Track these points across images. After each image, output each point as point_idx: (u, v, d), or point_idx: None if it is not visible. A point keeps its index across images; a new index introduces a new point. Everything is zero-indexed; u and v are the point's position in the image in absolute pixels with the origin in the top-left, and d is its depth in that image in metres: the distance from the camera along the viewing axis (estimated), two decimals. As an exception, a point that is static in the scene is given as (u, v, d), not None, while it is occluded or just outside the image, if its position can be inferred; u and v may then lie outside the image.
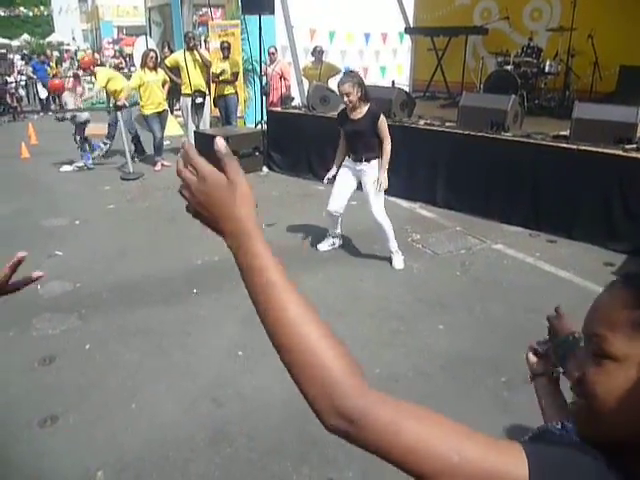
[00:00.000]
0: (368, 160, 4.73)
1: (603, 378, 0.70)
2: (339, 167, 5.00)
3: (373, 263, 4.99)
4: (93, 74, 9.10)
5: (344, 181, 4.93)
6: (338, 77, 10.09)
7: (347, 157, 4.89)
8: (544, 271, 4.76)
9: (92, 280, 4.71)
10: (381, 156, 4.70)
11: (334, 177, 5.01)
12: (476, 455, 0.66)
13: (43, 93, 16.04)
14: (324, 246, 5.28)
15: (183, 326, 3.95)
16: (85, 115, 8.72)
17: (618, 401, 0.68)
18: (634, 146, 5.11)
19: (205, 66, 8.84)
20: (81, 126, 8.64)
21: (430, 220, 6.13)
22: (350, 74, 4.84)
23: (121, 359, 3.57)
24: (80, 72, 11.23)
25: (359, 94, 4.56)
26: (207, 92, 9.08)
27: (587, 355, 0.73)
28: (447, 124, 6.55)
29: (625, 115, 5.32)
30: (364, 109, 4.65)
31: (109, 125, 8.93)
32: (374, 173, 4.73)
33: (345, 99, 4.57)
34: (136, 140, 9.27)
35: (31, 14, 36.76)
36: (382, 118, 4.65)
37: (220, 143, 0.75)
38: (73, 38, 37.60)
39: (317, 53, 9.78)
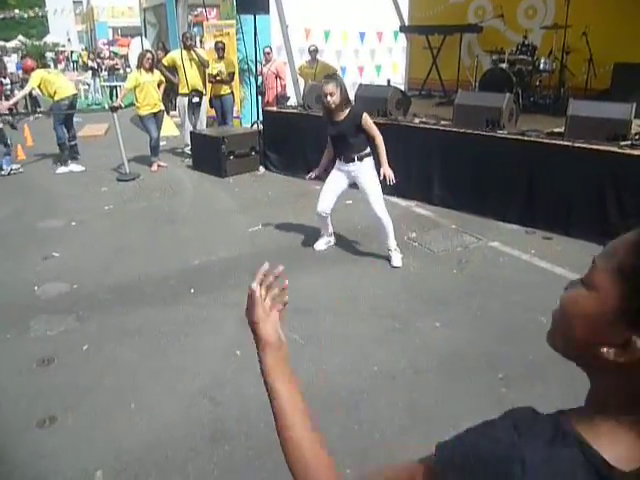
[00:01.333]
0: (361, 159, 4.74)
1: (572, 295, 0.79)
2: (324, 167, 5.08)
3: (370, 262, 5.00)
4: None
5: (333, 183, 4.96)
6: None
7: (338, 159, 4.90)
8: (540, 268, 4.78)
9: (89, 281, 4.72)
10: (376, 153, 4.71)
11: (317, 177, 5.10)
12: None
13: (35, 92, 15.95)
14: (320, 245, 5.29)
15: (181, 326, 3.95)
16: None
17: (569, 320, 0.77)
18: (628, 142, 5.13)
19: (202, 65, 8.84)
20: None
21: (426, 218, 6.15)
22: (333, 76, 4.87)
23: (119, 360, 3.58)
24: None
25: (342, 96, 4.60)
26: (204, 92, 9.09)
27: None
28: (442, 122, 6.57)
29: (619, 112, 5.34)
30: (346, 111, 4.68)
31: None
32: (369, 171, 4.74)
33: (329, 99, 4.59)
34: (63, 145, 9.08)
35: (26, 15, 36.71)
36: (365, 116, 4.67)
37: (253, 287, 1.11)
38: (68, 39, 37.54)
39: (312, 52, 9.80)
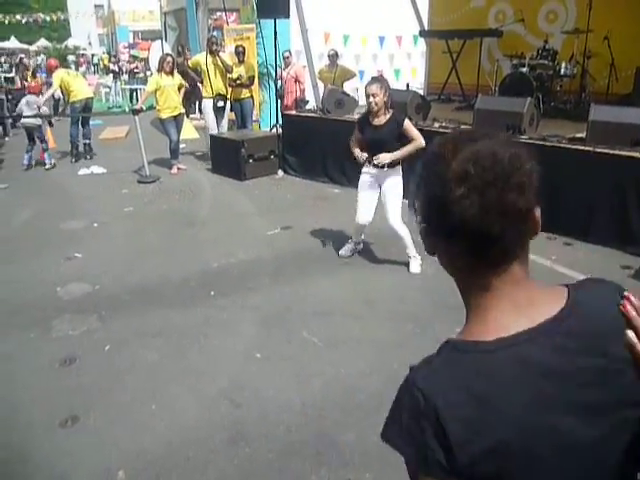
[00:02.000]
0: (392, 165, 4.66)
1: None
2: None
3: (389, 266, 5.00)
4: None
5: (368, 193, 4.87)
6: (353, 80, 10.21)
7: (367, 163, 4.80)
8: (560, 274, 4.74)
9: (111, 282, 4.78)
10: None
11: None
12: None
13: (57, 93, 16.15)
14: (346, 251, 5.22)
15: (201, 328, 3.99)
16: (30, 121, 9.16)
17: None
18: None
19: (226, 71, 8.90)
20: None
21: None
22: (379, 78, 4.78)
23: (140, 360, 3.62)
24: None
25: (385, 98, 4.52)
26: (227, 96, 9.15)
27: None
28: (462, 127, 6.54)
29: (642, 117, 5.29)
30: (387, 115, 4.61)
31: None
32: (396, 178, 4.71)
33: (371, 99, 4.50)
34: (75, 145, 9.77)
35: (48, 19, 37.24)
36: (407, 122, 4.62)
37: None
38: (89, 43, 38.00)
39: (331, 57, 9.82)
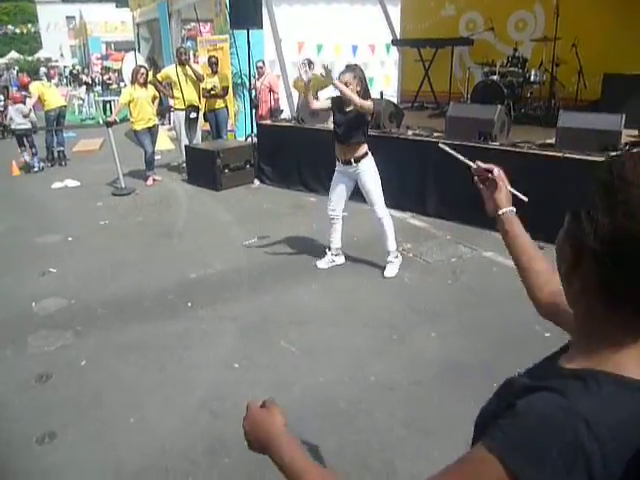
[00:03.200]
0: (357, 160, 4.73)
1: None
2: None
3: (366, 273, 5.04)
4: (28, 90, 10.95)
5: (339, 183, 4.93)
6: (327, 90, 10.27)
7: (337, 161, 4.89)
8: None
9: (87, 296, 4.74)
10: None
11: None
12: None
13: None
14: (323, 264, 5.19)
15: (179, 339, 3.98)
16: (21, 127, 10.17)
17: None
18: (618, 153, 5.19)
19: (198, 80, 8.91)
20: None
21: (421, 229, 6.20)
22: (353, 66, 4.70)
23: (118, 374, 3.59)
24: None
25: (358, 87, 4.49)
26: (200, 107, 9.15)
27: None
28: (435, 134, 6.64)
29: (610, 123, 5.42)
30: None
31: None
32: (369, 169, 4.75)
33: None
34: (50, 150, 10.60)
35: (18, 31, 36.85)
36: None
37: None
38: (61, 54, 37.68)
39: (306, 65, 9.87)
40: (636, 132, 5.81)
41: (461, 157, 1.52)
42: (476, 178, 1.41)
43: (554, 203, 5.44)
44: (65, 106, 10.92)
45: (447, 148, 1.60)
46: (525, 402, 0.77)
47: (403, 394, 3.28)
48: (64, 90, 20.19)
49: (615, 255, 0.76)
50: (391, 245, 4.92)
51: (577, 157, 5.31)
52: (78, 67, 27.15)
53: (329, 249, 5.23)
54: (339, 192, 4.96)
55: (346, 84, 4.45)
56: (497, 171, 1.37)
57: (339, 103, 4.75)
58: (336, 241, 5.17)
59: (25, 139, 10.10)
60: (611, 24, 7.65)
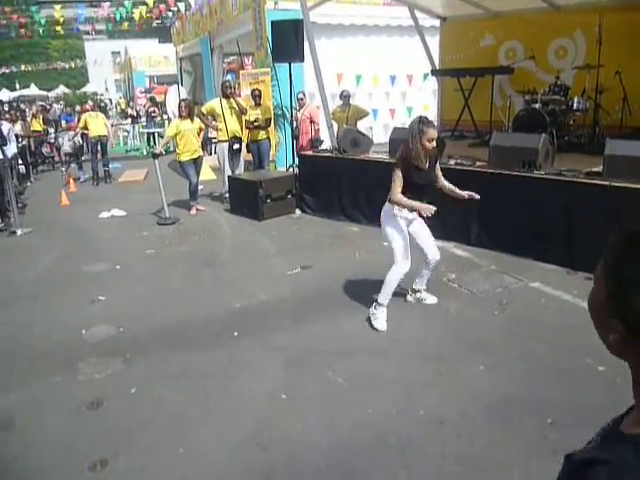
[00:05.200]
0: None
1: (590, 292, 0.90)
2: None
3: (411, 304, 5.00)
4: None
5: (405, 238, 4.56)
6: (366, 119, 10.37)
7: (400, 209, 4.47)
8: (583, 308, 4.67)
9: (135, 324, 4.83)
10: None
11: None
12: None
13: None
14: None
15: (225, 369, 4.00)
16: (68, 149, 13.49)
17: (590, 307, 0.90)
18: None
19: (241, 113, 9.12)
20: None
21: (465, 259, 6.14)
22: (432, 121, 4.44)
23: (166, 403, 3.63)
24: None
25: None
26: (242, 138, 9.35)
27: None
28: (478, 163, 6.62)
29: (659, 150, 5.32)
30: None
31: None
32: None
33: (431, 145, 4.31)
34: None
35: (67, 66, 38.42)
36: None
37: None
38: (106, 88, 39.06)
39: (345, 97, 10.02)
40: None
41: None
42: None
43: (601, 232, 5.35)
44: (105, 135, 12.48)
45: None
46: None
47: (453, 429, 3.22)
48: (111, 121, 20.90)
49: None
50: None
51: (625, 185, 5.21)
52: (122, 101, 28.01)
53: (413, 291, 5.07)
54: (408, 246, 4.64)
55: (434, 139, 4.33)
56: None
57: (408, 163, 4.39)
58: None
59: (72, 158, 13.30)
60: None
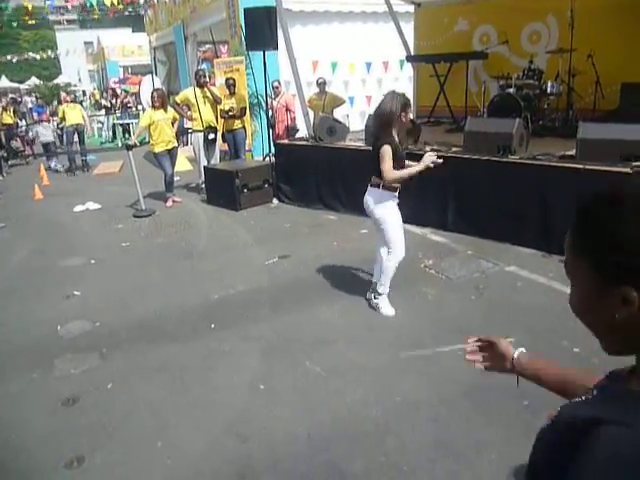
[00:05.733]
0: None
1: (571, 291, 0.88)
2: None
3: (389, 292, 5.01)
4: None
5: (401, 222, 4.56)
6: (342, 107, 10.34)
7: (393, 192, 4.41)
8: (559, 291, 4.75)
9: (111, 318, 4.77)
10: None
11: None
12: None
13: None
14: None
15: (204, 361, 3.98)
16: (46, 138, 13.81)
17: (577, 307, 0.87)
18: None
19: (215, 102, 9.02)
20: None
21: (442, 245, 6.17)
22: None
23: (144, 397, 3.60)
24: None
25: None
26: (218, 128, 9.26)
27: None
28: (453, 149, 6.63)
29: (630, 133, 5.36)
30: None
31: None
32: None
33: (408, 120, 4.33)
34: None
35: (38, 57, 37.66)
36: None
37: None
38: (79, 79, 38.40)
39: (321, 85, 9.97)
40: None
41: (446, 349, 1.55)
42: (469, 357, 1.48)
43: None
44: (81, 124, 12.97)
45: (420, 352, 1.67)
46: (598, 445, 0.72)
47: (431, 414, 3.24)
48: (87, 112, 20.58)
49: None
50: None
51: (598, 168, 5.26)
52: (95, 92, 27.56)
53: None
54: None
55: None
56: (485, 337, 1.45)
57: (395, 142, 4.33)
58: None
59: (50, 147, 13.66)
60: (626, 33, 7.62)
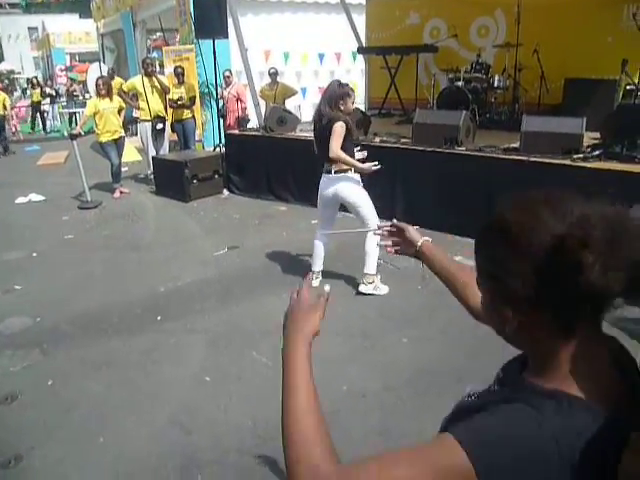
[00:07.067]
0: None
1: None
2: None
3: (336, 281, 5.03)
4: None
5: None
6: (294, 98, 10.30)
7: (353, 171, 4.52)
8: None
9: (53, 313, 4.63)
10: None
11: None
12: (414, 468, 0.79)
13: None
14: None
15: (149, 354, 3.91)
16: None
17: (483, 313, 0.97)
18: (581, 156, 5.32)
19: (163, 92, 8.85)
20: None
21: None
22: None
23: (86, 392, 3.51)
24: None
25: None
26: (166, 117, 9.09)
27: None
28: (402, 140, 6.70)
29: (571, 126, 5.54)
30: None
31: None
32: None
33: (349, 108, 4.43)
34: None
35: (-22, 42, 36.09)
36: None
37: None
38: (22, 67, 36.97)
39: (272, 75, 9.90)
40: (597, 135, 5.94)
41: (357, 230, 1.76)
42: (381, 241, 1.60)
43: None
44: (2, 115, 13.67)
45: (333, 232, 1.78)
46: (503, 407, 0.81)
47: (376, 401, 3.28)
48: (25, 102, 19.86)
49: (547, 293, 0.80)
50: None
51: (541, 160, 5.40)
52: (38, 78, 26.62)
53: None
54: None
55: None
56: (395, 221, 1.58)
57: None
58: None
59: None
60: (571, 30, 7.83)
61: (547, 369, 0.85)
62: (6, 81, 25.27)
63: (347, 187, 4.52)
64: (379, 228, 1.61)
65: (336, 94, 4.37)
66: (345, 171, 4.48)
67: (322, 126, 4.41)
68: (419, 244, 1.48)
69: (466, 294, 1.33)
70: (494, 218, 0.88)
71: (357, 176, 4.53)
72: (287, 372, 0.97)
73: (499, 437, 0.77)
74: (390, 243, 1.57)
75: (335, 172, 4.50)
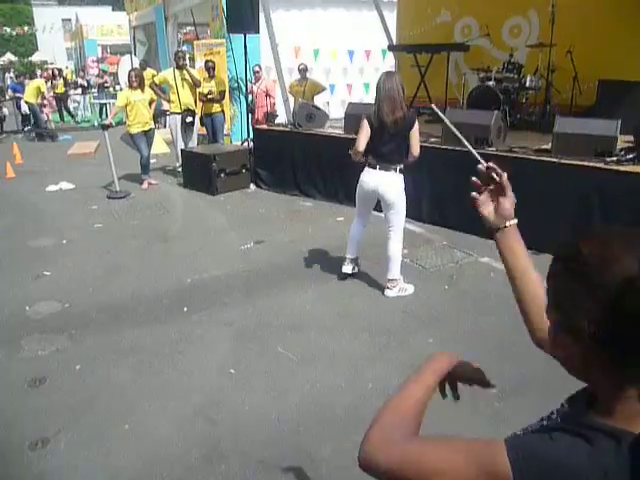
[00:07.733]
0: None
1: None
2: None
3: (362, 278, 5.02)
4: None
5: None
6: (323, 94, 10.29)
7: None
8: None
9: (81, 300, 4.70)
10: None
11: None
12: (462, 459, 0.86)
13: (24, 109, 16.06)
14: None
15: (175, 344, 3.95)
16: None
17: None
18: (614, 159, 5.21)
19: (194, 85, 8.91)
20: None
21: (418, 235, 6.18)
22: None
23: (112, 379, 3.56)
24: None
25: None
26: (196, 111, 9.15)
27: None
28: (432, 140, 6.64)
29: (605, 128, 5.43)
30: None
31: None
32: None
33: None
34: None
35: (14, 33, 36.72)
36: None
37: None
38: (54, 58, 37.55)
39: (302, 71, 9.90)
40: (631, 137, 5.82)
41: (465, 142, 1.39)
42: (475, 179, 1.31)
43: (550, 208, 5.47)
44: (30, 102, 14.20)
45: (441, 114, 1.55)
46: (557, 435, 0.82)
47: (400, 400, 3.25)
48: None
49: (613, 334, 0.78)
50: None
51: (573, 163, 5.32)
52: (67, 70, 26.97)
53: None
54: None
55: None
56: (505, 176, 1.28)
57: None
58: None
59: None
60: (606, 30, 7.68)
61: (613, 407, 0.83)
62: (39, 71, 25.65)
63: (398, 187, 4.56)
64: (488, 168, 1.29)
65: (403, 92, 4.44)
66: (396, 169, 4.51)
67: (400, 125, 4.38)
68: (509, 224, 1.25)
69: (534, 309, 1.22)
70: (571, 249, 0.85)
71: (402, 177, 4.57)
72: (422, 370, 1.09)
73: (543, 456, 0.79)
74: (482, 196, 1.31)
75: (391, 168, 4.50)
